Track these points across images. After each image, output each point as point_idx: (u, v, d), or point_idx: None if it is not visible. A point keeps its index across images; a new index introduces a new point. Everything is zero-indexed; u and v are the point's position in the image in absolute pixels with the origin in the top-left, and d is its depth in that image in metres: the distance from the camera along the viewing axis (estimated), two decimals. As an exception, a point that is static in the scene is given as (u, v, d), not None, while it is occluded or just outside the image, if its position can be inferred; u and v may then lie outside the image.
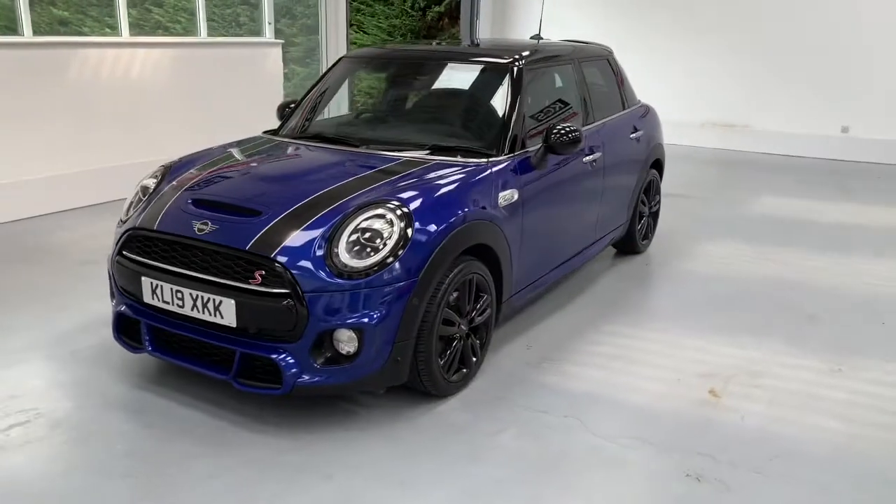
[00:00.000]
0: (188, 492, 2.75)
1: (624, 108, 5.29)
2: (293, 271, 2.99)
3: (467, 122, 4.28)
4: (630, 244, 5.56)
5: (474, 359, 3.59)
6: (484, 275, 3.52)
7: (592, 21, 11.42)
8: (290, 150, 4.10)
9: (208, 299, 3.08)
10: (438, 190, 3.41)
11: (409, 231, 3.12)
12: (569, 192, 4.33)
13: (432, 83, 4.53)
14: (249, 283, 3.03)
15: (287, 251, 3.03)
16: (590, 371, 3.80)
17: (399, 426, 3.24)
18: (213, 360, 3.22)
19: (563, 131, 3.93)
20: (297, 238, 3.07)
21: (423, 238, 3.15)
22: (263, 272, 3.03)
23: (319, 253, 3.03)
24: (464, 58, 4.52)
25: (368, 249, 3.06)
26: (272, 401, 3.35)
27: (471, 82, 4.39)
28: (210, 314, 3.10)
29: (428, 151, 3.84)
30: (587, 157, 4.46)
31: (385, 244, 3.07)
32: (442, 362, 3.34)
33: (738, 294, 4.94)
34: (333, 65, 4.74)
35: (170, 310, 3.21)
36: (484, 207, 3.51)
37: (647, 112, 5.63)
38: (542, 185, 4.02)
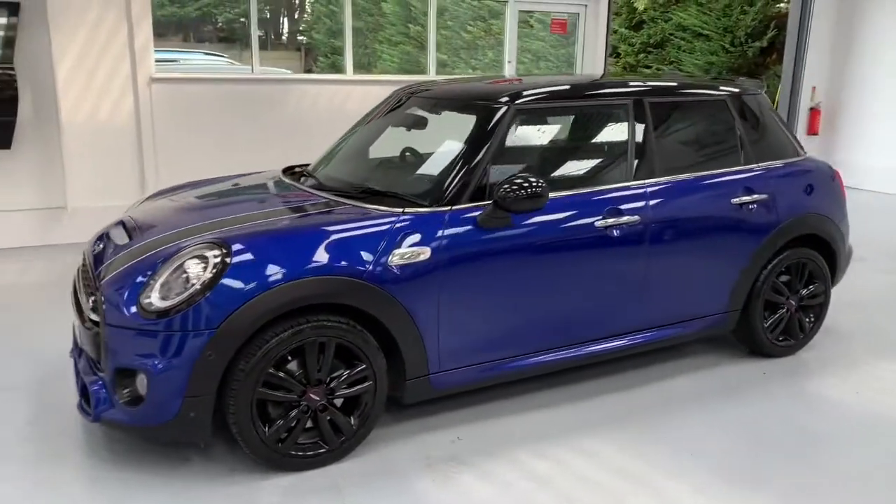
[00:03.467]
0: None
1: (744, 163, 4.04)
2: (105, 302, 2.95)
3: (427, 169, 3.70)
4: (753, 342, 4.21)
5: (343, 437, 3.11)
6: (357, 341, 3.03)
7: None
8: (243, 183, 4.02)
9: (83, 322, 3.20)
10: (292, 237, 3.05)
11: (220, 277, 2.84)
12: (561, 260, 3.46)
13: (422, 124, 4.00)
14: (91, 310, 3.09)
15: (110, 281, 3.01)
16: (495, 495, 2.99)
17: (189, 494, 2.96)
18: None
19: (517, 185, 3.19)
20: (126, 270, 3.03)
21: (237, 286, 2.84)
22: (93, 298, 3.06)
23: (136, 289, 2.93)
24: (453, 97, 3.90)
25: (176, 292, 2.87)
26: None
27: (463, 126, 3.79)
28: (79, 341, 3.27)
29: (362, 195, 3.44)
30: (604, 221, 3.52)
31: (189, 288, 2.85)
32: (270, 430, 2.96)
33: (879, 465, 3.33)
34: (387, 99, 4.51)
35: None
36: (363, 264, 3.02)
37: (798, 172, 4.21)
38: (496, 248, 3.29)
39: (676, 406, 3.72)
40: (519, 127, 3.58)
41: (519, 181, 3.20)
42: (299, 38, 25.62)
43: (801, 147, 4.43)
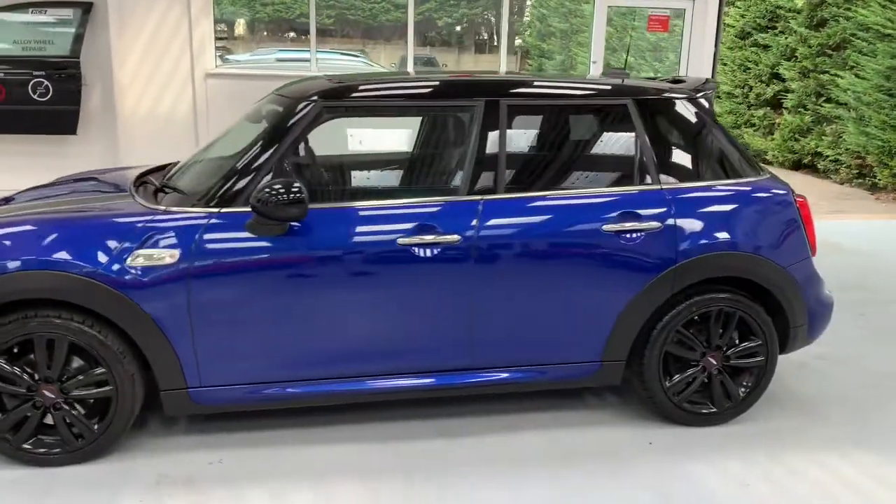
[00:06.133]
0: None
1: (641, 183, 3.29)
2: None
3: (219, 166, 3.33)
4: (654, 405, 3.43)
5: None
6: (93, 343, 2.90)
7: None
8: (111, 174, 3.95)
9: None
10: (34, 226, 2.97)
11: None
12: (349, 279, 3.05)
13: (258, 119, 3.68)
14: None
15: None
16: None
17: None
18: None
19: (274, 190, 2.87)
20: None
21: None
22: None
23: None
24: (280, 93, 3.52)
25: None
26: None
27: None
28: None
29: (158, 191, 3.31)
30: (409, 238, 3.04)
31: None
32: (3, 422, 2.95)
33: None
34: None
35: None
36: (98, 262, 2.88)
37: (723, 199, 3.33)
38: (266, 259, 2.98)
39: (495, 467, 3.13)
40: (338, 127, 3.22)
41: (277, 186, 2.87)
42: (516, 41, 25.79)
43: (757, 166, 3.53)
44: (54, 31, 6.63)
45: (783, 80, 11.70)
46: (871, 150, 9.85)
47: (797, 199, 3.47)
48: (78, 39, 6.62)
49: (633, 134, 3.33)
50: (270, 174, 3.04)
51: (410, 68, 8.20)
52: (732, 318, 3.36)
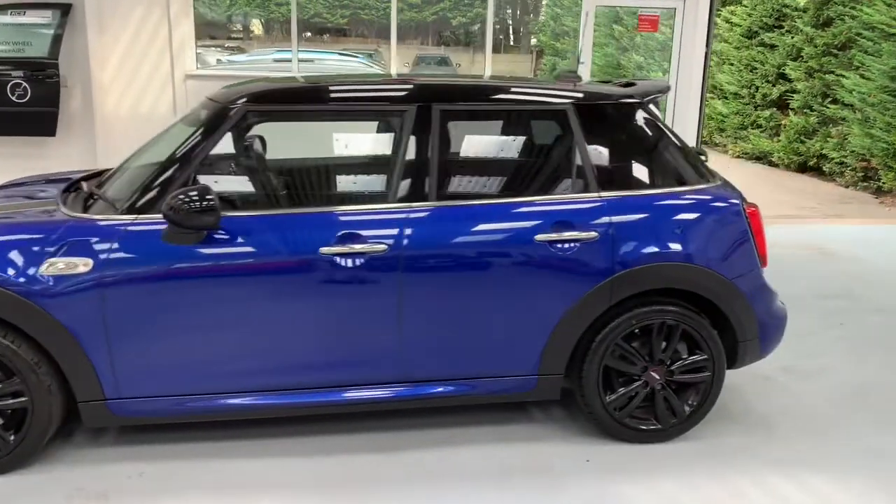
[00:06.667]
0: None
1: (578, 191, 3.17)
2: None
3: (143, 172, 3.25)
4: (596, 420, 3.30)
5: None
6: (7, 353, 2.83)
7: None
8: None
9: None
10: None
11: None
12: (268, 289, 2.96)
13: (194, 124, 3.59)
14: None
15: None
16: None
17: None
18: None
19: (185, 198, 2.78)
20: None
21: None
22: None
23: None
24: (210, 97, 3.43)
25: None
26: None
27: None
28: None
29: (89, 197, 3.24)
30: (331, 248, 2.94)
31: None
32: None
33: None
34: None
35: None
36: (6, 270, 2.82)
37: (665, 207, 3.20)
38: (183, 268, 2.89)
39: (426, 482, 3.02)
40: (265, 133, 3.14)
41: (190, 194, 2.79)
42: (532, 41, 25.73)
43: (707, 174, 3.38)
44: (33, 33, 6.62)
45: (790, 81, 11.45)
46: (875, 152, 9.59)
47: (748, 208, 3.32)
48: (56, 41, 6.60)
49: (571, 140, 3.21)
50: (190, 181, 2.96)
51: (393, 68, 8.09)
52: (675, 332, 3.23)
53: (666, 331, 3.23)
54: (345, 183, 3.28)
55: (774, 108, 11.90)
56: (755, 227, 3.30)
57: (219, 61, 11.84)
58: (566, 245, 3.08)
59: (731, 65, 12.90)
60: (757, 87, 12.20)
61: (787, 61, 11.41)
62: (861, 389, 3.94)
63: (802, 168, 11.35)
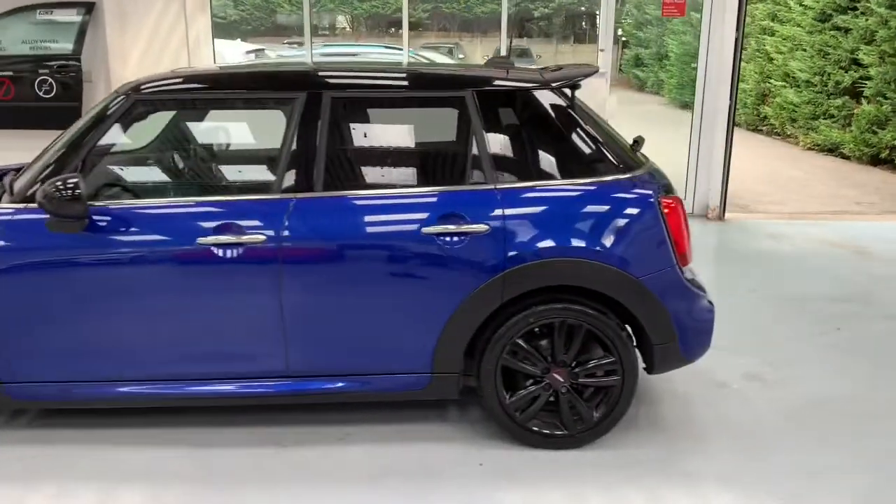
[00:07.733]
0: None
1: (475, 181, 3.01)
2: None
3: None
4: (500, 424, 3.14)
5: None
6: None
7: None
8: None
9: None
10: None
11: None
12: (144, 280, 2.95)
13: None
14: None
15: None
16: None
17: None
18: None
19: (54, 186, 2.80)
20: None
21: None
22: None
23: None
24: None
25: None
26: None
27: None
28: None
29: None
30: (207, 238, 2.91)
31: None
32: None
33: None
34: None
35: None
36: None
37: (566, 200, 2.99)
38: (60, 256, 2.93)
39: (297, 480, 2.96)
40: (153, 121, 3.14)
41: (57, 183, 2.81)
42: (617, 31, 25.20)
43: (630, 163, 3.14)
44: (58, 31, 6.93)
45: (864, 67, 10.63)
46: (949, 144, 8.77)
47: (665, 201, 3.06)
48: (80, 38, 6.88)
49: (469, 129, 3.05)
50: (77, 170, 2.99)
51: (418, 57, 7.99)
52: (579, 332, 3.02)
53: (568, 331, 3.03)
54: (230, 172, 3.24)
55: (847, 97, 11.08)
56: (672, 221, 3.04)
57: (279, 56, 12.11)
58: (454, 238, 2.93)
59: (804, 50, 12.09)
60: (829, 74, 11.39)
61: (860, 45, 10.60)
62: (820, 404, 3.58)
63: (875, 161, 10.53)
